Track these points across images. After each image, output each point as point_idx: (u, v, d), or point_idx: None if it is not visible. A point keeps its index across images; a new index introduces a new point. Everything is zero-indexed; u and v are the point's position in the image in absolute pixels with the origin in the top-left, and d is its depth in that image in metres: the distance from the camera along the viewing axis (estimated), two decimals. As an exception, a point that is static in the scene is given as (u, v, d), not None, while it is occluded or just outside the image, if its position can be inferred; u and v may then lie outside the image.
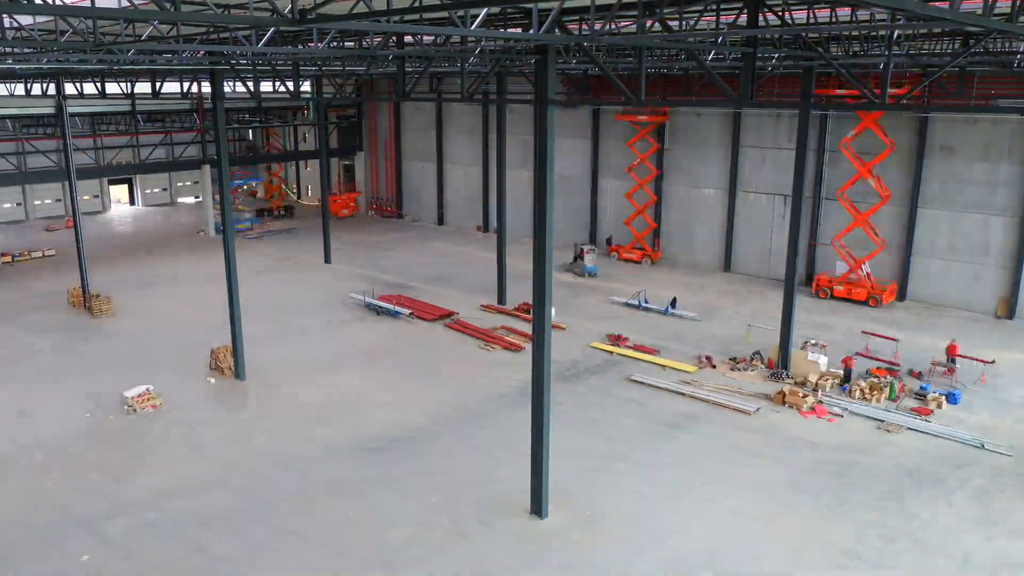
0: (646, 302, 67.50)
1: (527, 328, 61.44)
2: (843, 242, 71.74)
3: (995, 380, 52.75)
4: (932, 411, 47.81)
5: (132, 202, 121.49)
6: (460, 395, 50.10)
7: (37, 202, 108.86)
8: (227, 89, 76.59)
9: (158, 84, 62.80)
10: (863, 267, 70.13)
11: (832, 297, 70.54)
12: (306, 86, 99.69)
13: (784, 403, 48.73)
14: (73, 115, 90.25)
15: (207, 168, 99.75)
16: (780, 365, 53.45)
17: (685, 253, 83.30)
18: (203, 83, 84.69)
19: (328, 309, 67.68)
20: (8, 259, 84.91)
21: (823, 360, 52.92)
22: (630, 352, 57.46)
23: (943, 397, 49.03)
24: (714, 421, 46.69)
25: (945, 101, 63.32)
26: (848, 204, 70.84)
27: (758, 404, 48.78)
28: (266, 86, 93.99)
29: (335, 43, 47.38)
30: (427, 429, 45.31)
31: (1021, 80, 59.60)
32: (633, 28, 39.29)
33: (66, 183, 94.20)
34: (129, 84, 67.59)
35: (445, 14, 31.09)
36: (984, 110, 63.89)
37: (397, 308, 66.01)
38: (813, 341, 56.12)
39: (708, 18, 36.85)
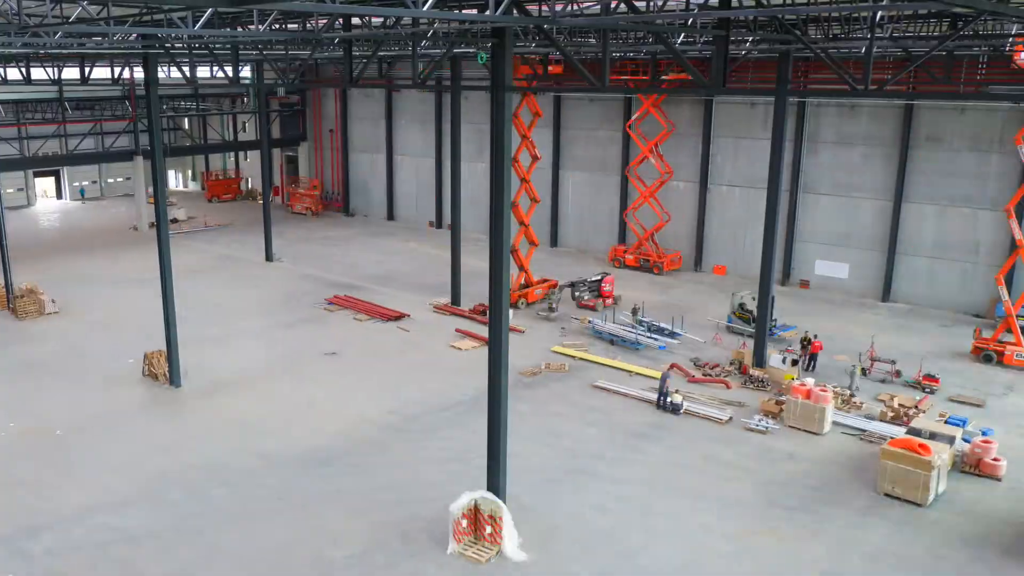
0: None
1: (483, 331, 61.41)
2: (635, 215, 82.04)
3: (986, 387, 53.13)
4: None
5: (59, 196, 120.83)
6: (412, 403, 49.95)
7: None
8: (161, 75, 76.07)
9: (87, 69, 62.35)
10: (651, 238, 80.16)
11: (624, 266, 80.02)
12: (246, 71, 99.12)
13: (778, 413, 48.43)
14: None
15: (140, 159, 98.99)
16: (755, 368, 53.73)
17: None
18: (136, 68, 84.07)
19: (270, 311, 67.50)
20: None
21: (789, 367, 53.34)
22: (592, 356, 57.48)
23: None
24: (683, 431, 46.67)
25: (932, 88, 63.61)
26: (637, 180, 79.24)
27: (730, 412, 48.78)
28: (203, 71, 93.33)
29: (277, 25, 47.19)
30: (376, 440, 45.15)
31: (1012, 65, 59.83)
32: (597, 9, 39.21)
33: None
34: (56, 69, 66.87)
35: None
36: (973, 97, 64.26)
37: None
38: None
39: (677, -3, 36.94)
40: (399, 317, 65.67)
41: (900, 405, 48.76)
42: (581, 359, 57.15)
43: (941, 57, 59.06)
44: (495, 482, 35.73)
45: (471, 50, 61.00)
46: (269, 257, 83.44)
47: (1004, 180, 65.00)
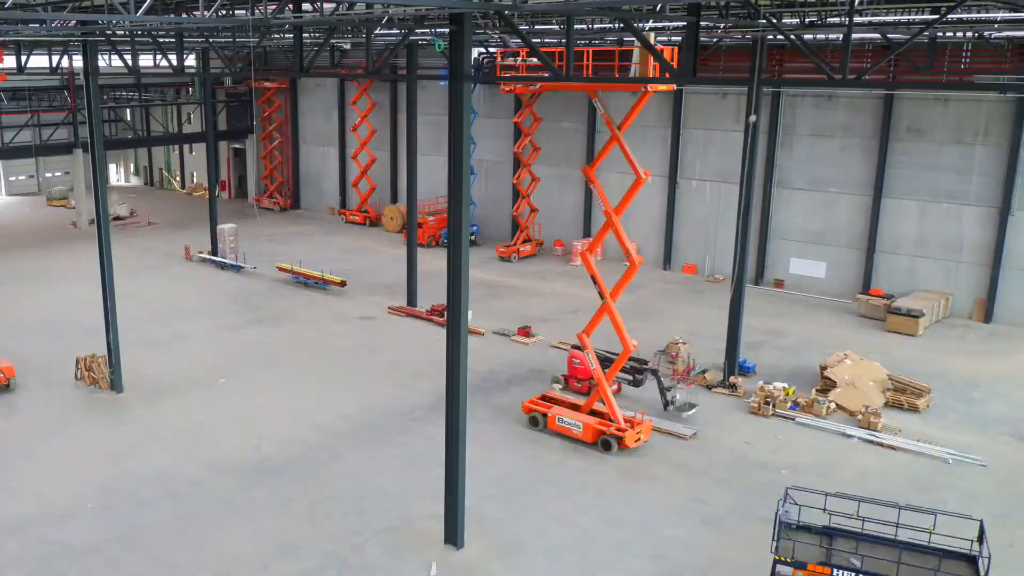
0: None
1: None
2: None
3: (970, 393, 53.43)
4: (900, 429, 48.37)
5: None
6: (366, 409, 50.00)
7: None
8: (102, 64, 75.88)
9: (24, 58, 62.05)
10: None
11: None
12: (191, 60, 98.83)
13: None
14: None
15: (79, 153, 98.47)
16: (726, 377, 53.93)
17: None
18: (75, 57, 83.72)
19: (217, 312, 67.37)
20: None
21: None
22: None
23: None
24: (651, 439, 46.80)
25: (913, 77, 63.86)
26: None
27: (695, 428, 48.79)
28: (146, 60, 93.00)
29: (224, 10, 47.01)
30: (328, 447, 45.14)
31: (998, 53, 60.10)
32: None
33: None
34: (-11, 58, 66.63)
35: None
36: (957, 87, 64.54)
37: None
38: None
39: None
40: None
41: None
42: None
43: (923, 44, 59.34)
44: (453, 492, 35.73)
45: (429, 37, 61.08)
46: (215, 253, 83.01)
47: (989, 174, 65.36)
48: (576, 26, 54.87)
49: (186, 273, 78.87)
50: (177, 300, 70.39)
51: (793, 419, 49.06)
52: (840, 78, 34.31)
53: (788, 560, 30.50)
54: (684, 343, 57.37)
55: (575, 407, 47.72)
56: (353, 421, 48.29)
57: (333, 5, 47.76)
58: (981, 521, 31.35)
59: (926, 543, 31.35)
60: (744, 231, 52.29)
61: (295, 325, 64.55)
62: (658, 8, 38.61)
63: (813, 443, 46.57)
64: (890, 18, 50.47)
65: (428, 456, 43.18)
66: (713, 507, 39.78)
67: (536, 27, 58.11)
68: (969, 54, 63.83)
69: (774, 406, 49.95)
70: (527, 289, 74.35)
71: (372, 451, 44.72)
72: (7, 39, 53.40)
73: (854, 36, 55.90)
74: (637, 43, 39.86)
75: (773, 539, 31.24)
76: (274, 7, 46.06)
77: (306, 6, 47.75)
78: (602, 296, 45.60)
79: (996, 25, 51.43)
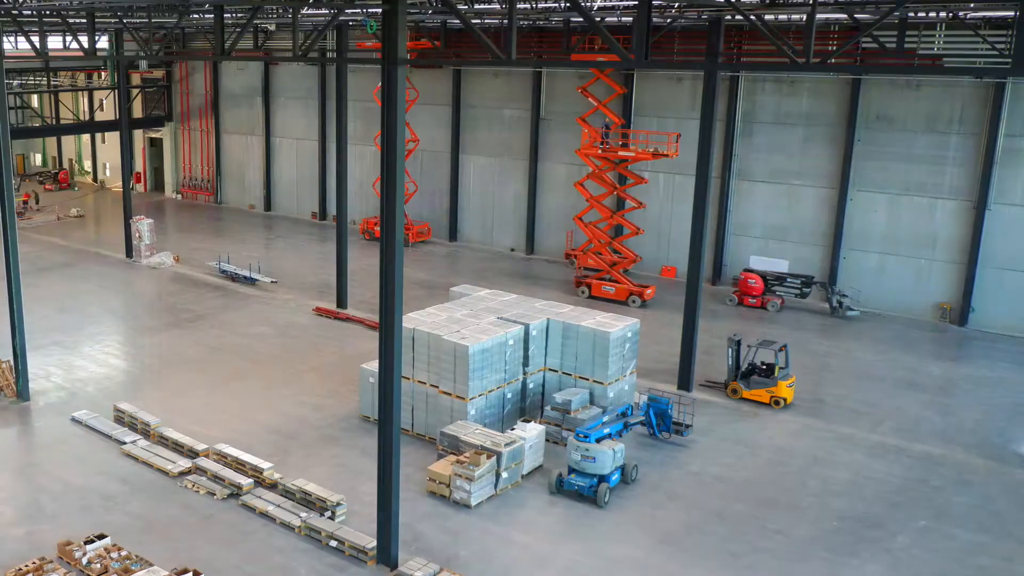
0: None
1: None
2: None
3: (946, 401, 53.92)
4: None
5: None
6: (292, 420, 49.73)
7: None
8: (7, 46, 75.43)
9: (-82, 38, 61.76)
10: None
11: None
12: (104, 42, 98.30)
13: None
14: None
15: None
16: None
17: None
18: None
19: (131, 315, 67.12)
20: None
21: None
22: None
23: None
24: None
25: (882, 61, 64.13)
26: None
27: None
28: (55, 42, 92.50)
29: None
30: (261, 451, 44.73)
31: (975, 34, 60.33)
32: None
33: None
34: None
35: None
36: (930, 71, 64.81)
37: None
38: None
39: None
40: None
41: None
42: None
43: (893, 25, 59.49)
44: (386, 509, 35.67)
45: (360, 18, 60.98)
46: (129, 253, 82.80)
47: (965, 165, 65.79)
48: (519, 4, 54.85)
49: (100, 271, 78.48)
50: (89, 301, 69.94)
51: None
52: (804, 62, 34.48)
53: None
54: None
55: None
56: (279, 432, 48.03)
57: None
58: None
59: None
60: (700, 227, 52.24)
61: (216, 330, 64.27)
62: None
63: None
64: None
65: (359, 470, 43.23)
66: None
67: (476, 6, 58.06)
68: (943, 36, 64.03)
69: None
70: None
71: (300, 466, 44.21)
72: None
73: (819, 16, 56.05)
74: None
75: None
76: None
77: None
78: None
79: (972, 5, 51.55)
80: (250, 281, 73.08)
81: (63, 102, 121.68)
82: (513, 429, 44.93)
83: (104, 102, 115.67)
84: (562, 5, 55.78)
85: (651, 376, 55.59)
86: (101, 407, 50.68)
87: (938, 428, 50.34)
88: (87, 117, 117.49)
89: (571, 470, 41.96)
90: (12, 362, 51.69)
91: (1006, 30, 59.47)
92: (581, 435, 41.80)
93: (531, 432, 44.15)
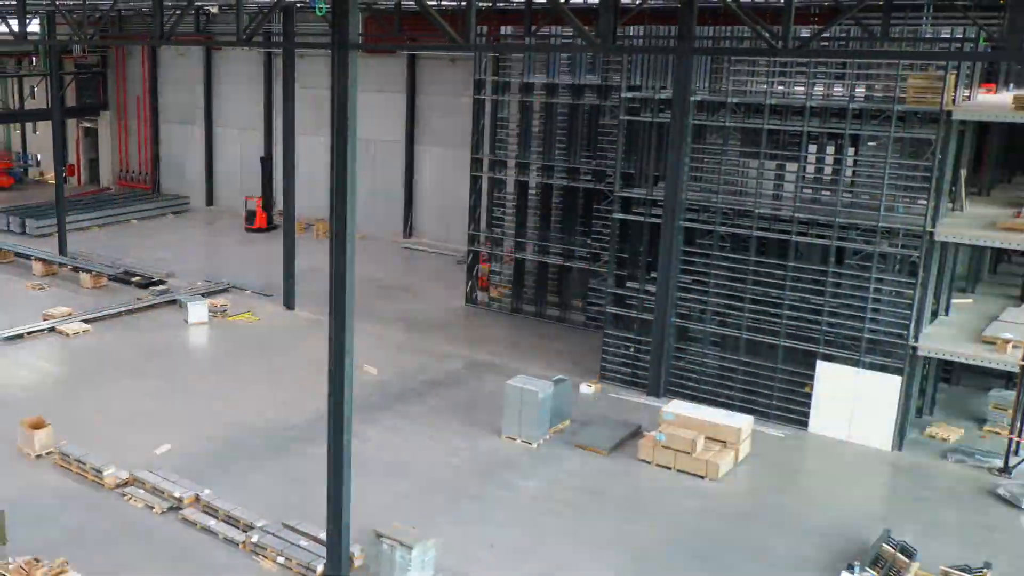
0: None
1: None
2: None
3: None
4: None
5: None
6: (236, 427, 49.21)
7: None
8: (-71, 29, 74.82)
9: None
10: None
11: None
12: (35, 26, 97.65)
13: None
14: None
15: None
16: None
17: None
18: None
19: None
20: None
21: None
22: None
23: None
24: (568, 461, 46.49)
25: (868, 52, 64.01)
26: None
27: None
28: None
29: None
30: (194, 470, 44.03)
31: (965, 15, 60.05)
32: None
33: None
34: None
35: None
36: (915, 55, 64.71)
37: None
38: None
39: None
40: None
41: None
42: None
43: (877, 7, 58.94)
44: (337, 524, 35.15)
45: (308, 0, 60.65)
46: (63, 251, 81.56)
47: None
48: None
49: (29, 270, 77.60)
50: (21, 302, 69.24)
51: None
52: (783, 45, 34.10)
53: None
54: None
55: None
56: (221, 440, 47.65)
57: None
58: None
59: None
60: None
61: (165, 330, 63.68)
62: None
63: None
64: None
65: (310, 480, 42.01)
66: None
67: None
68: (931, 16, 63.41)
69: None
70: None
71: (245, 476, 44.02)
72: None
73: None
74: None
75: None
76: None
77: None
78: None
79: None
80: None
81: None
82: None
83: (35, 89, 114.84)
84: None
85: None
86: (30, 412, 49.64)
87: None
88: (17, 106, 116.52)
89: None
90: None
91: (997, 12, 59.39)
92: None
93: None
